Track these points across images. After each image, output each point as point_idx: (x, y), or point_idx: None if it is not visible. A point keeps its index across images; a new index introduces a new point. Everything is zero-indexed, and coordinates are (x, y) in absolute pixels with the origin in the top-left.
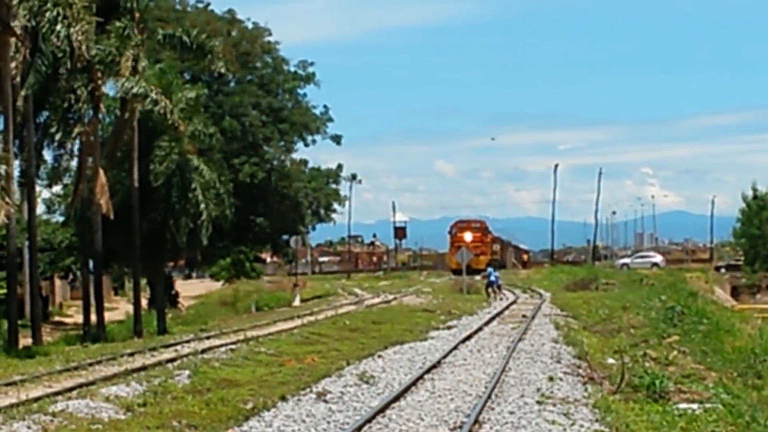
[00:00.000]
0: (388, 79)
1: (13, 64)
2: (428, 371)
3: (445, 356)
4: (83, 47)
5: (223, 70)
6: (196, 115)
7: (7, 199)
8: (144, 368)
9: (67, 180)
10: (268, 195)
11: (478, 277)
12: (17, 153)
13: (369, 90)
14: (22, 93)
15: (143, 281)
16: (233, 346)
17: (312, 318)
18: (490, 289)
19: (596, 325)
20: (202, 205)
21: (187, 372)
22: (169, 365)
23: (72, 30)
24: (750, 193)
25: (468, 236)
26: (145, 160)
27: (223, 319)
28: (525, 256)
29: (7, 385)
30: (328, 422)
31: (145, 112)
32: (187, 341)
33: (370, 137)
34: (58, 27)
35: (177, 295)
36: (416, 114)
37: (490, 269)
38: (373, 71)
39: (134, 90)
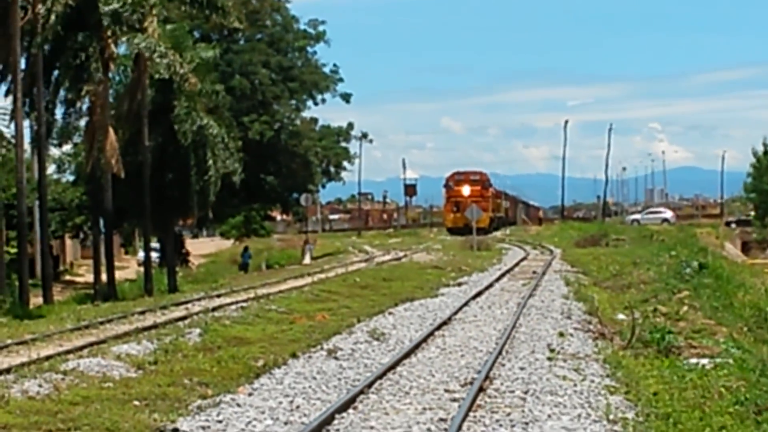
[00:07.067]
0: (394, 37)
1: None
2: (439, 328)
3: (455, 313)
4: None
5: (236, 24)
6: (208, 75)
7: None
8: (155, 326)
9: (77, 139)
10: (278, 153)
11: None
12: (27, 112)
13: (376, 48)
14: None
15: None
16: (244, 304)
17: (322, 275)
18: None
19: (606, 281)
20: (210, 162)
21: (197, 330)
22: (180, 323)
23: None
24: (760, 149)
25: (466, 190)
26: (165, 119)
27: (233, 278)
28: (540, 213)
29: (18, 344)
30: (339, 379)
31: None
32: (198, 299)
33: (378, 95)
34: None
35: (187, 253)
36: (423, 71)
37: (248, 251)
38: (379, 29)
39: (142, 45)
